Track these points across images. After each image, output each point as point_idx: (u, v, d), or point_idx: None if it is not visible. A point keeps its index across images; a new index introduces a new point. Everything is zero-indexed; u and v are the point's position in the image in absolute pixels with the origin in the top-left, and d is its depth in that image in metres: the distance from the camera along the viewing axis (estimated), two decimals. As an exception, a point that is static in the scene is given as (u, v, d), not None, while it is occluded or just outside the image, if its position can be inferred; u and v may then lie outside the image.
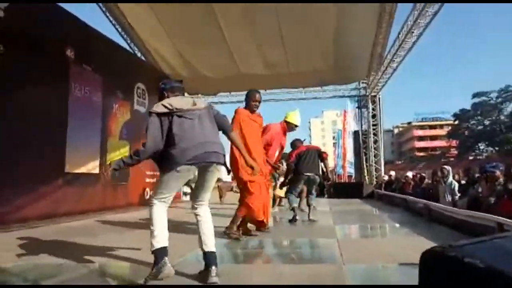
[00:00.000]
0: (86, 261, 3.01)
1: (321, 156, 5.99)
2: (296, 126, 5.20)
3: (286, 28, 9.25)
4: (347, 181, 21.82)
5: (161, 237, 2.42)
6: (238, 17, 8.86)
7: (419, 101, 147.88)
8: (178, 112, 2.56)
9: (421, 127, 70.04)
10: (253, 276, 2.60)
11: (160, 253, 2.36)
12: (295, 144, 6.38)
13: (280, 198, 8.51)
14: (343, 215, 6.91)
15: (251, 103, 4.23)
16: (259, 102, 4.30)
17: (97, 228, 5.23)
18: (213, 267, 2.39)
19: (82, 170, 7.24)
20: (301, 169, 5.81)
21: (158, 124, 2.53)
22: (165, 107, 2.56)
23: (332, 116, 75.41)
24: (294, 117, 5.22)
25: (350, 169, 20.79)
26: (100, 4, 9.40)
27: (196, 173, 2.62)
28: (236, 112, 4.24)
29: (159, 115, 2.54)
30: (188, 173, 2.58)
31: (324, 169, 6.13)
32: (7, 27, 5.38)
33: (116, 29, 10.00)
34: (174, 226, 4.45)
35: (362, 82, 13.63)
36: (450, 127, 62.17)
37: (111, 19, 9.68)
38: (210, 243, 2.52)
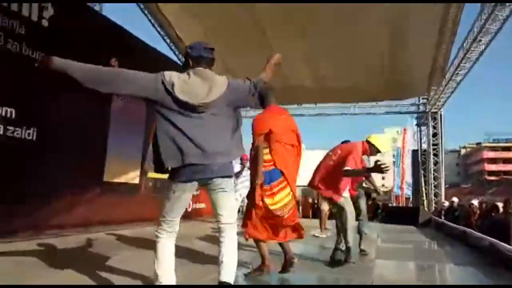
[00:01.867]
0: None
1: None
2: (378, 152, 4.31)
3: (338, 40, 8.71)
4: (404, 203, 20.39)
5: (164, 280, 2.21)
6: (287, 26, 8.50)
7: (490, 119, 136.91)
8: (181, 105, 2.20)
9: (493, 148, 64.31)
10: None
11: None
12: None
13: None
14: (391, 246, 6.13)
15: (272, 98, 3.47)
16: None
17: (126, 241, 5.05)
18: None
19: (122, 179, 7.23)
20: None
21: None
22: (170, 92, 2.21)
23: (393, 133, 72.03)
24: (379, 141, 4.30)
25: (408, 191, 19.43)
26: (149, 16, 9.56)
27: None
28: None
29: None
30: (185, 193, 2.28)
31: (371, 186, 5.24)
32: (50, 37, 5.49)
33: (164, 40, 10.13)
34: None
35: (422, 98, 12.55)
36: (527, 150, 56.36)
37: (159, 30, 9.82)
38: (226, 273, 2.18)
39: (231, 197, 2.34)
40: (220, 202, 2.29)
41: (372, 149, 4.25)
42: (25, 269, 3.17)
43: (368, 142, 4.28)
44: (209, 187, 2.28)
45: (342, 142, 5.36)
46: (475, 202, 9.03)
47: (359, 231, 5.00)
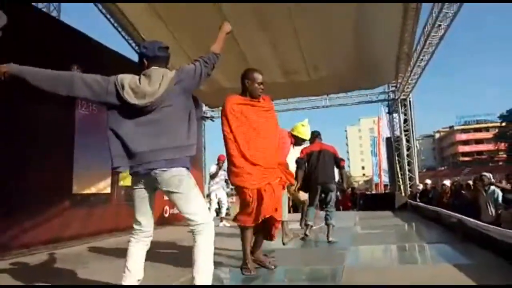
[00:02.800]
0: None
1: (337, 161, 5.17)
2: (303, 140, 4.54)
3: (302, 33, 8.73)
4: (383, 190, 20.77)
5: (128, 281, 2.22)
6: (251, 23, 8.47)
7: (461, 103, 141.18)
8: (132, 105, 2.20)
9: (465, 131, 66.40)
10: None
11: None
12: (312, 137, 5.17)
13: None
14: (366, 232, 6.20)
15: (254, 85, 3.10)
16: (263, 84, 3.19)
17: (99, 253, 4.91)
18: None
19: (92, 190, 7.05)
20: (315, 176, 5.01)
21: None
22: (123, 97, 2.22)
23: (369, 123, 73.36)
24: (303, 130, 4.50)
25: (386, 178, 19.80)
26: (112, 19, 9.36)
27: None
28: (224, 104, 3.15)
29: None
30: (140, 193, 2.27)
31: (341, 179, 5.37)
32: (6, 47, 5.26)
33: (129, 44, 9.93)
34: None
35: (392, 85, 12.77)
36: (497, 130, 58.39)
37: (120, 29, 9.62)
38: (199, 276, 2.11)
39: (190, 197, 2.23)
40: (178, 203, 2.23)
41: (297, 140, 4.49)
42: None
43: (292, 135, 4.39)
44: (163, 190, 2.24)
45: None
46: (447, 182, 9.26)
47: (327, 223, 5.03)
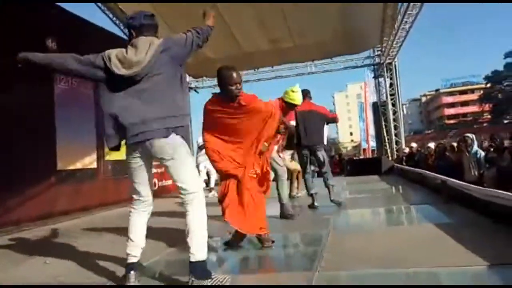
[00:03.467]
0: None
1: (329, 121, 5.22)
2: (295, 105, 4.30)
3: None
4: (371, 155, 21.06)
5: (131, 252, 2.26)
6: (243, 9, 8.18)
7: (446, 66, 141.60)
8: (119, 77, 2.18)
9: (451, 93, 66.99)
10: None
11: (128, 267, 2.25)
12: (303, 96, 4.67)
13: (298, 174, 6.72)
14: (352, 196, 6.31)
15: (228, 88, 2.83)
16: (240, 83, 2.87)
17: (88, 228, 4.90)
18: (193, 279, 2.06)
19: (77, 166, 6.97)
20: (303, 137, 4.88)
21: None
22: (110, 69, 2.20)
23: (356, 89, 73.28)
24: (294, 95, 4.27)
25: (373, 143, 20.02)
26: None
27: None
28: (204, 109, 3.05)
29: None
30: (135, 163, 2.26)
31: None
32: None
33: (103, 10, 9.55)
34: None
35: (377, 50, 12.65)
36: (482, 91, 59.04)
37: (101, 5, 9.23)
38: (193, 245, 2.11)
39: (184, 164, 2.21)
40: (171, 171, 2.21)
41: (289, 105, 4.24)
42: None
43: (284, 101, 4.21)
44: (157, 157, 2.22)
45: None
46: (431, 145, 9.38)
47: (326, 185, 5.02)
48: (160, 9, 7.88)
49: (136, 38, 2.27)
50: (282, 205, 4.31)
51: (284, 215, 4.25)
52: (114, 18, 9.97)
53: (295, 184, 6.57)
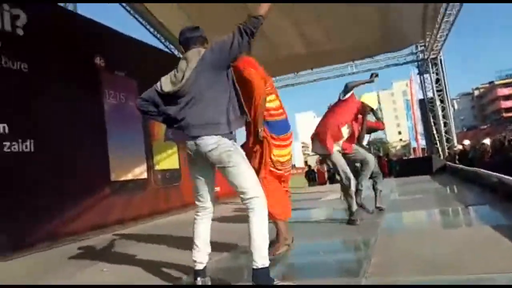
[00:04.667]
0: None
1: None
2: (371, 109, 4.41)
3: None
4: (421, 153, 20.19)
5: (197, 259, 2.31)
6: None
7: (499, 57, 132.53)
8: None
9: (506, 85, 62.54)
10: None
11: (196, 274, 2.30)
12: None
13: None
14: (402, 198, 6.08)
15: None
16: None
17: (139, 236, 5.14)
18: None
19: (129, 177, 7.31)
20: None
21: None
22: (158, 91, 2.33)
23: (402, 86, 70.75)
24: (370, 99, 4.40)
25: (423, 141, 19.21)
26: (130, 10, 9.42)
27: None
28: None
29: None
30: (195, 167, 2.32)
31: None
32: (28, 44, 5.43)
33: (147, 29, 10.01)
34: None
35: (420, 45, 12.15)
36: (541, 80, 54.62)
37: (140, 19, 9.68)
38: (256, 256, 2.06)
39: (240, 168, 2.18)
40: (229, 177, 2.21)
41: (364, 108, 4.32)
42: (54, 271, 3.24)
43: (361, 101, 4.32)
44: (215, 164, 2.25)
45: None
46: (487, 141, 8.82)
47: (374, 189, 4.88)
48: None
49: (185, 53, 2.34)
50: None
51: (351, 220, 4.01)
52: (159, 35, 10.43)
53: None
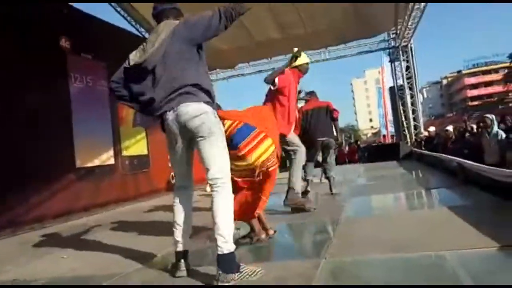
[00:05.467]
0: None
1: (331, 114, 5.14)
2: (307, 64, 4.24)
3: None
4: (390, 140, 20.74)
5: (179, 238, 2.21)
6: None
7: (468, 46, 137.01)
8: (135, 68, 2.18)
9: (473, 74, 64.86)
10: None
11: (178, 255, 2.21)
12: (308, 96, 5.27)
13: None
14: (368, 183, 6.23)
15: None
16: None
17: (105, 223, 5.04)
18: (220, 272, 1.96)
19: (96, 163, 7.12)
20: (313, 133, 4.99)
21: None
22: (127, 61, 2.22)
23: (374, 74, 71.98)
24: (303, 57, 4.20)
25: (392, 129, 19.72)
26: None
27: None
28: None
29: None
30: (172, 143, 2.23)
31: (335, 131, 5.25)
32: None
33: (117, 11, 9.66)
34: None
35: (392, 33, 12.36)
36: (506, 70, 56.86)
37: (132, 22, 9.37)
38: (220, 241, 1.99)
39: (213, 145, 2.08)
40: (202, 151, 2.10)
41: (302, 68, 4.18)
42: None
43: (295, 67, 4.11)
44: (190, 137, 2.15)
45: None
46: (450, 128, 9.15)
47: (327, 176, 5.09)
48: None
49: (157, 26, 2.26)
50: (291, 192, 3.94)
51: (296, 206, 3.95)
52: (129, 18, 10.09)
53: None
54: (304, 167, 5.13)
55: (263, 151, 2.70)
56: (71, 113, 6.58)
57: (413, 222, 3.07)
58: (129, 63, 2.20)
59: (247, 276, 1.98)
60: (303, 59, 4.19)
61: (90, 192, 6.76)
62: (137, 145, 8.40)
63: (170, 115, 2.12)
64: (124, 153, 7.87)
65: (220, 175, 2.09)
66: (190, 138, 2.16)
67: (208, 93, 2.15)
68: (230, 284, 1.94)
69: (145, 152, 8.54)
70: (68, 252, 3.27)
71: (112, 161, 7.51)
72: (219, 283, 1.94)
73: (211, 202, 2.08)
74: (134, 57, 2.19)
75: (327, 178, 5.13)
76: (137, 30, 10.31)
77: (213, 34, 2.18)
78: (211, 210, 2.06)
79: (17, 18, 5.61)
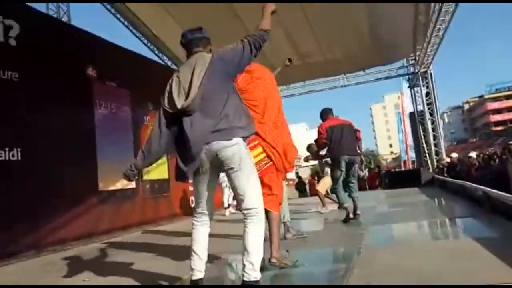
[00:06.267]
0: None
1: (355, 133, 5.09)
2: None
3: (316, 13, 8.57)
4: (411, 166, 20.36)
5: (196, 267, 2.22)
6: (259, 9, 8.38)
7: (489, 70, 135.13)
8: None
9: (496, 99, 63.63)
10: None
11: (193, 284, 2.21)
12: (325, 113, 5.13)
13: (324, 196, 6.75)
14: (389, 211, 6.12)
15: None
16: None
17: (126, 246, 5.10)
18: None
19: (117, 186, 7.26)
20: (340, 150, 4.88)
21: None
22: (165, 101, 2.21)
23: (394, 99, 71.56)
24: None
25: (413, 154, 19.43)
26: (124, 21, 9.47)
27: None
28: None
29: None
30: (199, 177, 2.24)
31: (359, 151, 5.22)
32: (20, 55, 5.44)
33: (141, 40, 10.06)
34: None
35: (411, 59, 12.38)
36: (530, 95, 55.69)
37: (135, 31, 9.74)
38: (248, 268, 2.03)
39: (250, 175, 2.14)
40: (235, 181, 2.14)
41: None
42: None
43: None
44: (219, 165, 2.18)
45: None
46: (473, 154, 8.95)
47: (351, 196, 5.00)
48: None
49: (189, 56, 2.27)
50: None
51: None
52: (152, 46, 10.47)
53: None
54: (335, 192, 5.07)
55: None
56: (95, 138, 6.79)
57: (437, 252, 2.99)
58: (170, 107, 2.16)
59: None
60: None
61: (111, 215, 6.88)
62: (158, 170, 8.53)
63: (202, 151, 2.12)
64: (145, 177, 8.00)
65: (255, 204, 2.14)
66: (218, 167, 2.19)
67: (242, 128, 2.16)
68: None
69: (165, 176, 8.65)
70: (89, 275, 3.32)
71: (133, 185, 7.65)
72: None
73: (244, 230, 2.11)
74: (176, 101, 2.13)
75: (351, 197, 5.00)
76: (160, 58, 10.67)
77: (246, 66, 2.27)
78: (243, 237, 2.11)
79: (49, 48, 5.91)
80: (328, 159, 5.42)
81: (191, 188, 9.79)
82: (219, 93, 2.14)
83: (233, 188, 2.19)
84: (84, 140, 6.54)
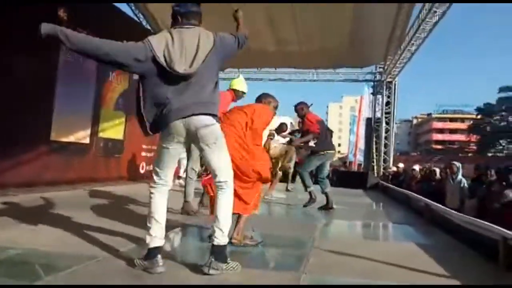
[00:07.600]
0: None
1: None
2: (244, 93, 4.44)
3: (300, 5, 8.58)
4: (356, 168, 21.33)
5: (156, 234, 2.25)
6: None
7: (442, 91, 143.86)
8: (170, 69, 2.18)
9: (441, 119, 68.14)
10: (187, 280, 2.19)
11: (153, 252, 2.21)
12: (307, 107, 5.44)
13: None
14: (338, 207, 6.44)
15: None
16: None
17: (73, 201, 4.93)
18: (212, 259, 2.18)
19: (70, 139, 6.96)
20: (327, 145, 5.35)
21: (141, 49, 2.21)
22: (163, 58, 2.18)
23: (351, 102, 73.95)
24: (241, 84, 4.45)
25: (361, 157, 20.31)
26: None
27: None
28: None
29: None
30: (171, 144, 2.29)
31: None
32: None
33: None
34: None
35: (379, 67, 12.88)
36: (471, 121, 60.25)
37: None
38: (218, 233, 2.25)
39: (222, 151, 2.31)
40: (209, 156, 2.29)
41: (237, 94, 4.42)
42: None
43: (232, 89, 4.40)
44: (195, 141, 2.28)
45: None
46: (416, 167, 9.61)
47: (324, 191, 5.48)
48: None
49: (182, 24, 2.29)
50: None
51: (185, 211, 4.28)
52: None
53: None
54: (301, 176, 5.35)
55: None
56: (55, 86, 6.42)
57: (380, 252, 3.22)
58: (171, 67, 2.16)
59: (232, 269, 2.23)
60: (242, 86, 4.42)
61: (60, 167, 6.60)
62: (114, 129, 8.27)
63: (178, 122, 2.20)
64: (101, 134, 7.73)
65: (226, 177, 2.33)
66: (192, 140, 2.31)
67: (217, 108, 2.34)
68: (218, 272, 2.16)
69: (120, 137, 8.41)
70: (36, 225, 3.22)
71: (87, 140, 7.36)
72: (210, 270, 2.15)
73: (217, 199, 2.31)
74: (178, 64, 2.16)
75: (325, 193, 5.43)
76: (136, 16, 10.20)
77: (234, 55, 2.46)
78: (216, 204, 2.31)
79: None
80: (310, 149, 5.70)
81: (143, 154, 9.61)
82: (211, 71, 2.29)
83: (207, 162, 2.36)
84: (44, 85, 6.17)
